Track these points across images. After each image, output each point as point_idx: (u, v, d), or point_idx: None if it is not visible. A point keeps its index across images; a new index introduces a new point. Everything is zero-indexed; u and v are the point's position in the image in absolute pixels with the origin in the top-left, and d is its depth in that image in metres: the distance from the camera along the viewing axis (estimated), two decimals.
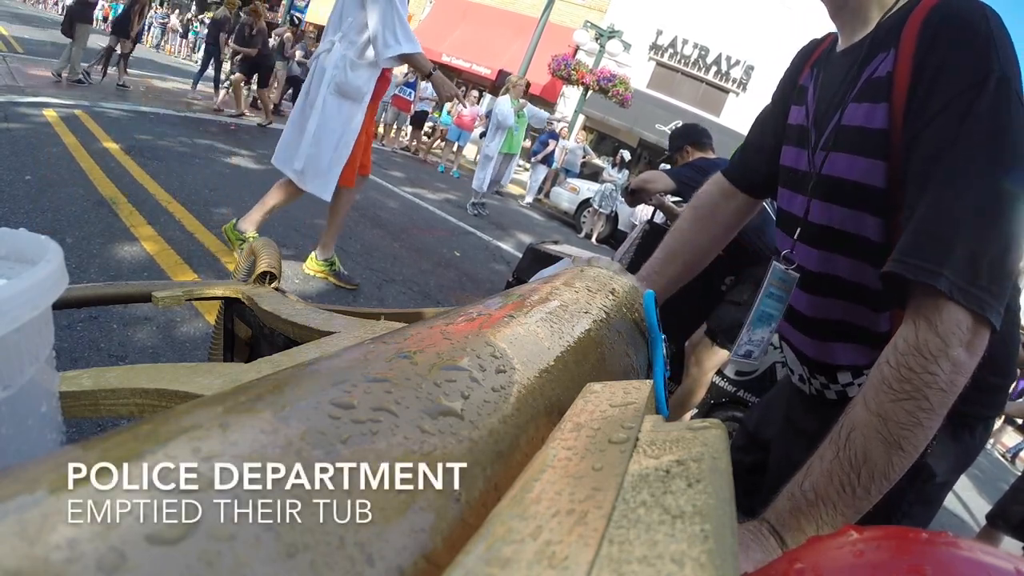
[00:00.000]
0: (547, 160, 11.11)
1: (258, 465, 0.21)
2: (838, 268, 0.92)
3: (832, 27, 0.99)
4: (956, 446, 1.00)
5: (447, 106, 11.73)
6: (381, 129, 12.13)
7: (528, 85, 8.15)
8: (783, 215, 1.04)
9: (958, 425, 0.98)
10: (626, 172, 11.01)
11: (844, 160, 0.87)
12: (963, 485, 5.90)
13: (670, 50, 16.16)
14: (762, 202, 1.21)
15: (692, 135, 2.98)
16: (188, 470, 0.20)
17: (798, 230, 0.97)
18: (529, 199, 11.33)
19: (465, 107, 9.97)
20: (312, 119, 3.02)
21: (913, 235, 0.72)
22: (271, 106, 9.21)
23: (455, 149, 11.70)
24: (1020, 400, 5.98)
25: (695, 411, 3.18)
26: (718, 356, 2.79)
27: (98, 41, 9.60)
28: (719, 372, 3.11)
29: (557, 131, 11.25)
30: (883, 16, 0.86)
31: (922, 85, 0.77)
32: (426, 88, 11.51)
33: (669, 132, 3.15)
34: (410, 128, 12.21)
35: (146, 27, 18.15)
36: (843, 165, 0.87)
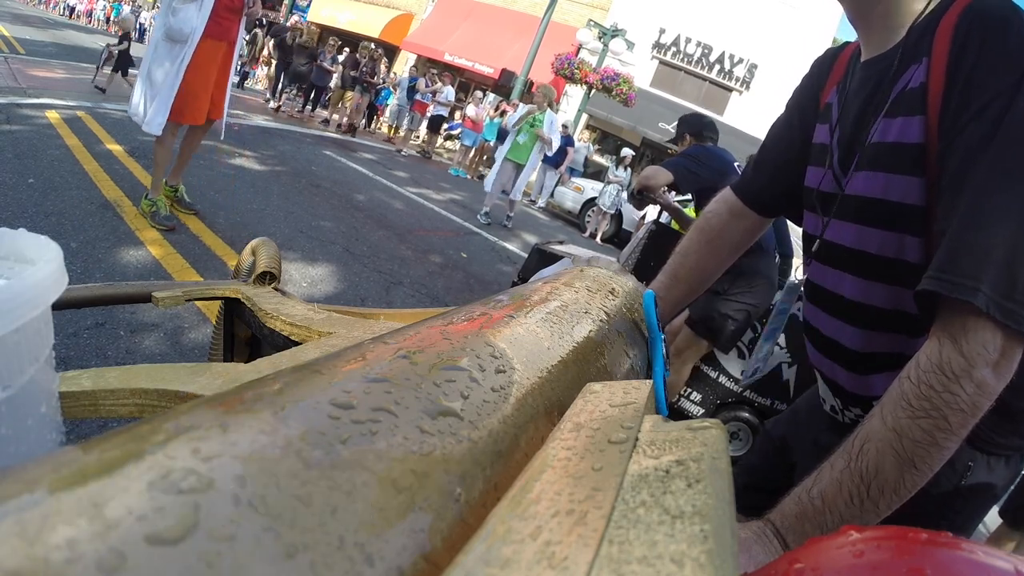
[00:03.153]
0: (560, 165, 11.16)
1: (258, 465, 0.21)
2: (878, 296, 0.87)
3: (835, 31, 0.95)
4: (991, 476, 0.96)
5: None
6: (390, 129, 12.34)
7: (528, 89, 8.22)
8: (810, 238, 0.99)
9: (994, 456, 0.95)
10: (630, 171, 11.01)
11: (879, 179, 0.82)
12: None
13: (673, 48, 16.13)
14: (772, 220, 1.16)
15: (693, 125, 3.02)
16: (188, 470, 0.20)
17: (824, 253, 0.94)
18: (541, 203, 11.36)
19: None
20: (143, 65, 3.32)
21: (948, 249, 0.68)
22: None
23: (469, 152, 11.77)
24: None
25: (702, 411, 3.18)
26: (698, 346, 2.80)
27: (87, 40, 9.92)
28: (725, 372, 3.11)
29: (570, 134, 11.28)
30: (913, 22, 0.81)
31: (956, 91, 0.73)
32: (441, 93, 11.63)
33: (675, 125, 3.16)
34: (424, 131, 12.37)
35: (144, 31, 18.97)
36: (879, 185, 0.82)
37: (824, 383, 1.05)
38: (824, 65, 1.04)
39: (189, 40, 3.21)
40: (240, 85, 13.08)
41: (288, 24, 12.28)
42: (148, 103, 3.29)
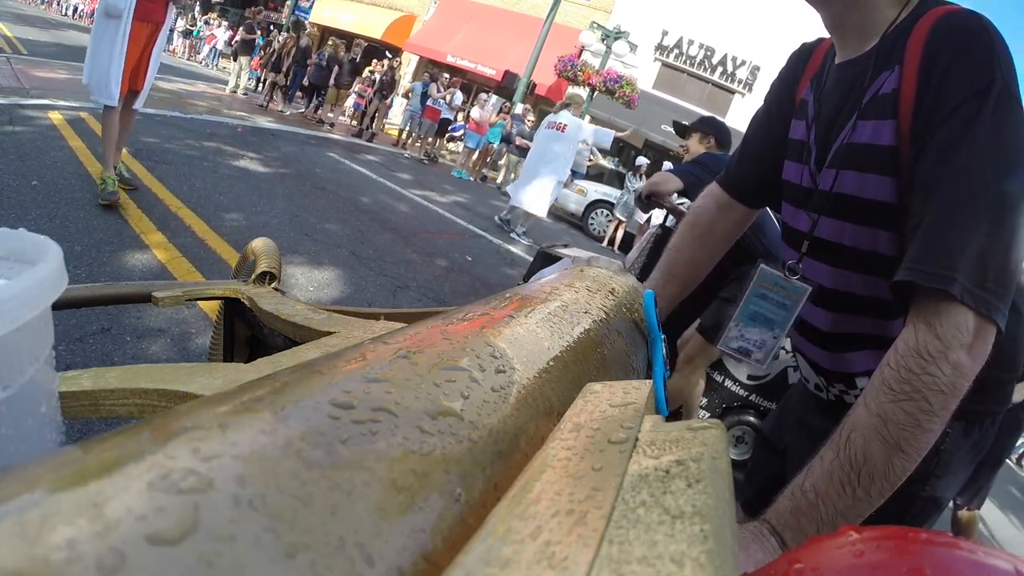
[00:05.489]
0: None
1: (258, 465, 0.21)
2: (853, 284, 0.92)
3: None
4: (967, 442, 1.02)
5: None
6: (399, 134, 12.46)
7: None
8: (788, 229, 1.04)
9: (969, 422, 1.01)
10: (645, 180, 11.02)
11: (854, 178, 0.87)
12: None
13: (675, 51, 16.13)
14: (760, 210, 1.20)
15: (722, 132, 3.02)
16: (188, 470, 0.20)
17: (805, 245, 0.98)
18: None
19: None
20: (90, 41, 3.61)
21: (924, 242, 0.72)
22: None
23: (472, 154, 11.76)
24: None
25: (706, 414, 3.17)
26: (709, 352, 2.80)
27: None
28: (731, 376, 3.10)
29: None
30: (886, 30, 0.86)
31: (927, 97, 0.77)
32: (455, 98, 11.67)
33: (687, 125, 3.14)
34: (434, 136, 12.43)
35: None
36: (854, 183, 0.87)
37: (806, 363, 1.10)
38: (800, 60, 1.08)
39: (124, 17, 3.49)
40: (259, 88, 13.28)
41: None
42: (96, 76, 3.58)
